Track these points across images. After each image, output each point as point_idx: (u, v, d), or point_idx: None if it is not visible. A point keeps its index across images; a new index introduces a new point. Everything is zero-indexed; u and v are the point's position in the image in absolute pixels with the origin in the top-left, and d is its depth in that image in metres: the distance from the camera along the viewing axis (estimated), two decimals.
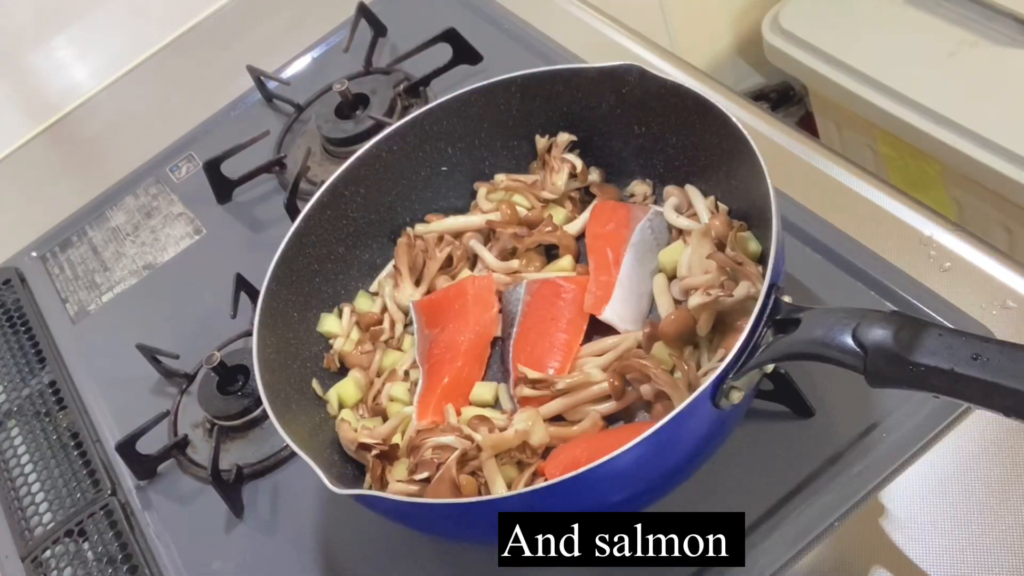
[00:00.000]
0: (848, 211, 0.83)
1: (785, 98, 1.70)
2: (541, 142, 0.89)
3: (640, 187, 0.87)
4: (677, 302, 0.77)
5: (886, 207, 0.82)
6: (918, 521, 0.67)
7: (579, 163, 0.88)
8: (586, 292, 0.80)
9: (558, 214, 0.87)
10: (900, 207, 0.82)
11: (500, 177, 0.90)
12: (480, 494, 0.71)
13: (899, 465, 0.69)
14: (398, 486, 0.73)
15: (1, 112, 1.35)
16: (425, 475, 0.72)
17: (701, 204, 0.80)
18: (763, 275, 0.66)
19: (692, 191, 0.82)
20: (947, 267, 0.77)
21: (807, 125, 1.54)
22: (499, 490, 0.71)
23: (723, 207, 0.79)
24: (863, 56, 1.27)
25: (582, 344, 0.79)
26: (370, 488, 0.75)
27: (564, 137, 0.88)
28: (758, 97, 1.69)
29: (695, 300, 0.73)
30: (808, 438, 0.72)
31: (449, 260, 0.87)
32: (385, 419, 0.80)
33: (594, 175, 0.89)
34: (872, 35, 1.29)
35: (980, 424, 0.69)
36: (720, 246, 0.75)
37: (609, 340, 0.78)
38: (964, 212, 1.29)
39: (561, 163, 0.88)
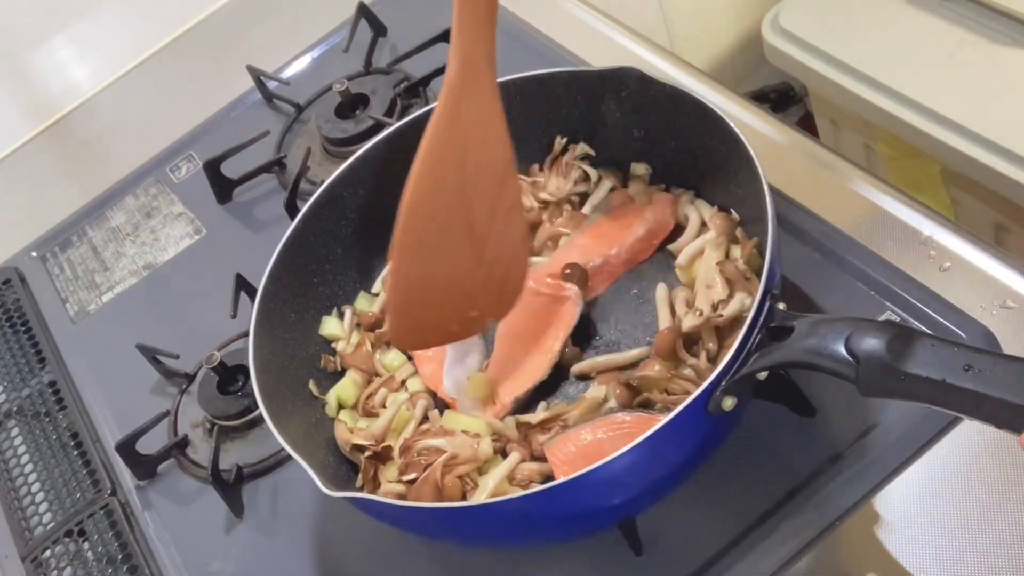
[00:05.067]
0: (848, 211, 0.83)
1: (785, 98, 1.70)
2: (559, 143, 0.88)
3: (639, 168, 0.87)
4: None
5: (886, 207, 0.82)
6: (919, 521, 0.67)
7: (593, 172, 0.87)
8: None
9: None
10: (900, 207, 0.82)
11: None
12: (465, 498, 0.71)
13: (900, 465, 0.69)
14: (388, 487, 0.73)
15: (1, 112, 1.35)
16: (413, 476, 0.72)
17: (695, 216, 0.80)
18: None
19: (701, 204, 0.82)
20: (947, 267, 0.77)
21: (807, 125, 1.54)
22: (483, 495, 0.71)
23: (736, 216, 0.79)
24: (863, 56, 1.27)
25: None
26: (361, 489, 0.76)
27: (583, 148, 0.87)
28: (758, 97, 1.69)
29: (688, 321, 0.73)
30: (809, 437, 0.72)
31: None
32: None
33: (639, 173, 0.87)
34: (872, 35, 1.29)
35: (980, 425, 0.69)
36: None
37: (602, 360, 0.78)
38: (964, 212, 1.29)
39: (571, 169, 0.87)
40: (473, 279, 0.75)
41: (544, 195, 0.87)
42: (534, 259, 0.85)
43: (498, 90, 0.70)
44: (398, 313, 0.75)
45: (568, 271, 0.80)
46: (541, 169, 0.89)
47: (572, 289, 0.79)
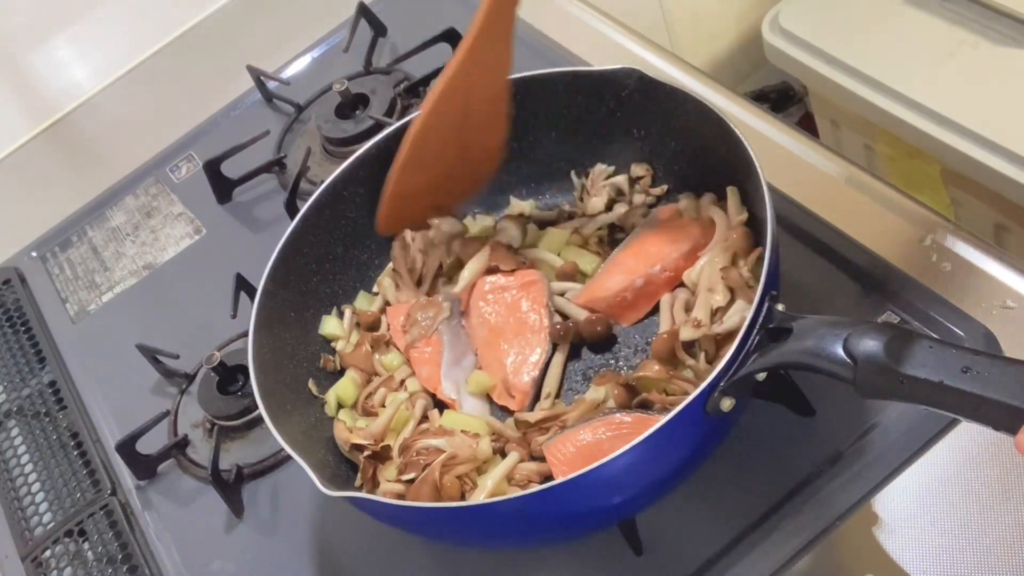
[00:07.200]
0: (848, 211, 0.82)
1: (785, 98, 1.70)
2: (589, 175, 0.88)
3: (640, 169, 0.86)
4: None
5: (886, 207, 0.82)
6: (918, 521, 0.67)
7: (626, 185, 0.86)
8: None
9: (584, 261, 0.84)
10: (900, 207, 0.82)
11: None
12: (464, 497, 0.71)
13: (899, 465, 0.69)
14: (387, 486, 0.73)
15: (1, 112, 1.35)
16: (412, 476, 0.72)
17: (720, 214, 0.79)
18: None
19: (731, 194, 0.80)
20: (947, 267, 0.77)
21: (807, 125, 1.54)
22: (482, 495, 0.71)
23: (743, 216, 0.78)
24: (863, 56, 1.27)
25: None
26: (360, 488, 0.76)
27: (601, 168, 0.87)
28: (758, 97, 1.69)
29: (685, 333, 0.73)
30: (808, 437, 0.72)
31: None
32: None
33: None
34: (872, 35, 1.29)
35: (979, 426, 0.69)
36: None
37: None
38: (963, 212, 1.29)
39: (603, 189, 0.86)
40: (455, 174, 0.84)
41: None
42: (566, 285, 0.83)
43: (513, 36, 0.75)
44: (390, 211, 0.84)
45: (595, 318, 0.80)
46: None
47: (533, 273, 0.81)
